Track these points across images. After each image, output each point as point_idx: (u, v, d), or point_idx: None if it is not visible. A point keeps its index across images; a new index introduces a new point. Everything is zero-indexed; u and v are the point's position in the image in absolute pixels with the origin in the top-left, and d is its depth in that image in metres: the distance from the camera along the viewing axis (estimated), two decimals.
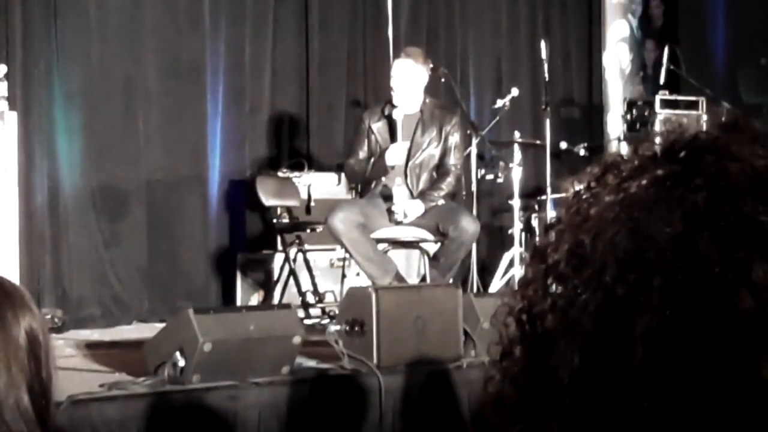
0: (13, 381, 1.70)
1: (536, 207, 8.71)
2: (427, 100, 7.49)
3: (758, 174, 0.82)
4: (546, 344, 0.85)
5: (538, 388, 0.85)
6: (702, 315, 0.78)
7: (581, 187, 0.89)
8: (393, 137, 7.36)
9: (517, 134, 8.59)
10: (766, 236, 0.79)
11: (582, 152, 8.73)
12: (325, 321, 6.96)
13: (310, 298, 7.60)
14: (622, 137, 9.74)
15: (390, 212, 7.30)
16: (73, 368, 5.50)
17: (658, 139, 0.89)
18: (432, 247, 7.35)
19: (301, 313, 6.93)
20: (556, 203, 8.32)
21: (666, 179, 0.84)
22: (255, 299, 8.10)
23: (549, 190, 8.58)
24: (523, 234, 8.37)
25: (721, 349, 0.78)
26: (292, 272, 7.66)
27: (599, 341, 0.82)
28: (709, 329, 0.78)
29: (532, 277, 0.88)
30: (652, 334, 0.79)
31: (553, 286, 0.85)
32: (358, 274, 7.43)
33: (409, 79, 7.40)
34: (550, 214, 8.29)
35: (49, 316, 7.06)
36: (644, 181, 0.85)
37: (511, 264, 8.34)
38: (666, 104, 9.60)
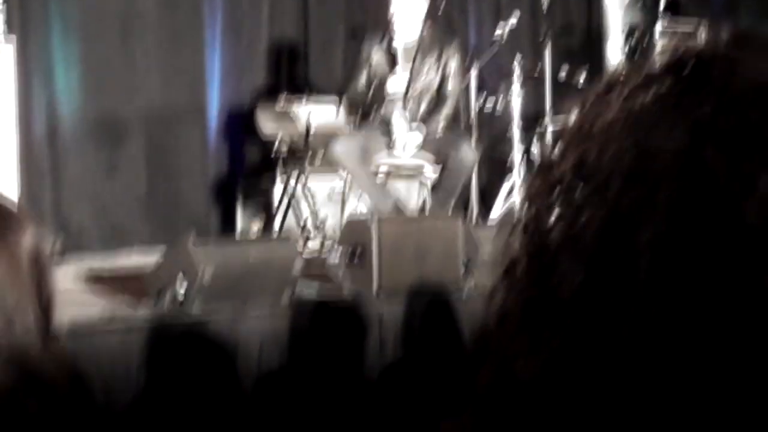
0: (20, 299, 1.70)
1: (535, 135, 8.68)
2: (427, 28, 7.44)
3: (766, 85, 0.81)
4: (550, 260, 0.84)
5: (541, 304, 0.85)
6: (708, 228, 0.78)
7: (588, 102, 0.88)
8: (393, 65, 7.33)
9: (516, 62, 8.54)
10: None
11: (582, 79, 8.67)
12: (325, 250, 6.97)
13: (310, 227, 7.60)
14: (621, 64, 9.67)
15: (390, 141, 7.29)
16: (74, 296, 5.52)
17: (664, 55, 0.88)
18: (431, 176, 7.35)
19: (300, 242, 6.94)
20: (556, 131, 8.28)
21: (672, 92, 0.83)
22: (255, 228, 8.11)
23: (548, 118, 8.56)
24: (523, 163, 8.34)
25: (727, 262, 0.77)
26: (292, 201, 7.65)
27: (602, 257, 0.81)
28: (714, 242, 0.78)
29: (537, 191, 0.87)
30: (656, 249, 0.79)
31: (558, 201, 0.84)
32: (357, 203, 7.43)
33: (409, 6, 7.35)
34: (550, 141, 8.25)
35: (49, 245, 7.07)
36: (650, 95, 0.84)
37: (510, 192, 8.34)
38: (666, 31, 9.54)
